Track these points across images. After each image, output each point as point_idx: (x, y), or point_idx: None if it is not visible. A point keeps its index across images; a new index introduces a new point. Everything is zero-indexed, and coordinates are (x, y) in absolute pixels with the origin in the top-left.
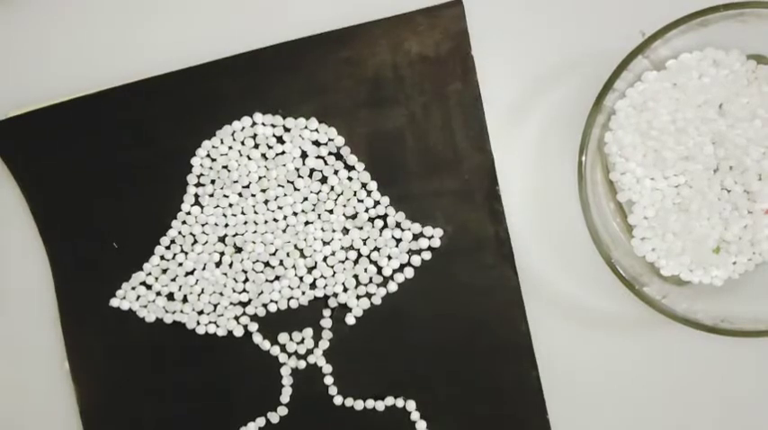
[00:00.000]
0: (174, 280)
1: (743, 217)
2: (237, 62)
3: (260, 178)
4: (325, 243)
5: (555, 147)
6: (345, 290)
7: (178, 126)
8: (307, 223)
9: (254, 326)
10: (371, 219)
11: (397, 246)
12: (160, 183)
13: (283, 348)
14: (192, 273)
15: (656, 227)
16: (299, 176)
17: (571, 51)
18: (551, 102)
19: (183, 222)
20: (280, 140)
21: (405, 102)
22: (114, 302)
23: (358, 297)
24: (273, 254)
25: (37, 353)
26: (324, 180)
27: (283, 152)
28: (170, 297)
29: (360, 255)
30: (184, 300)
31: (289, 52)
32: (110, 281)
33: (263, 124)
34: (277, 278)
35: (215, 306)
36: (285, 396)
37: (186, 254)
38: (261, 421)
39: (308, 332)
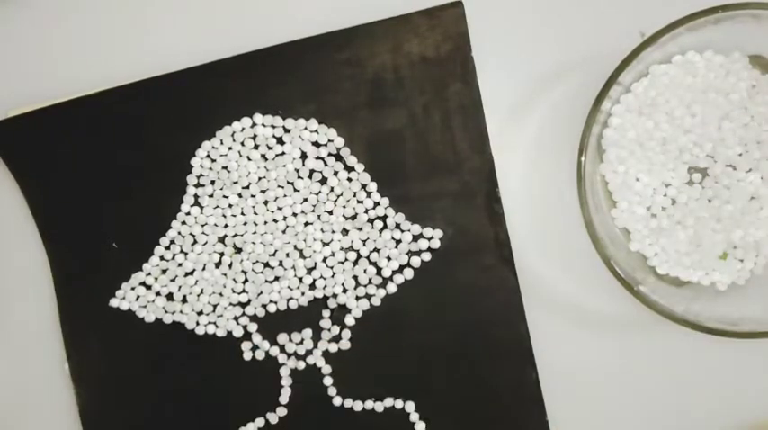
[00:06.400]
0: (173, 280)
1: (746, 220)
2: (237, 62)
3: (260, 179)
4: (324, 244)
5: (555, 149)
6: (345, 290)
7: (178, 126)
8: (306, 224)
9: (253, 327)
10: (371, 221)
11: (396, 247)
12: (160, 184)
13: (283, 349)
14: (191, 273)
15: (655, 227)
16: (299, 177)
17: (571, 52)
18: (551, 103)
19: (183, 223)
20: (279, 141)
21: (405, 103)
22: (114, 302)
23: (357, 298)
24: (273, 254)
25: (37, 353)
26: (323, 181)
27: (283, 153)
28: (169, 297)
29: (359, 256)
30: (184, 300)
31: (289, 53)
32: (110, 281)
33: (263, 125)
34: (276, 279)
35: (214, 306)
36: (284, 396)
37: (186, 254)
38: (260, 421)
39: (308, 333)
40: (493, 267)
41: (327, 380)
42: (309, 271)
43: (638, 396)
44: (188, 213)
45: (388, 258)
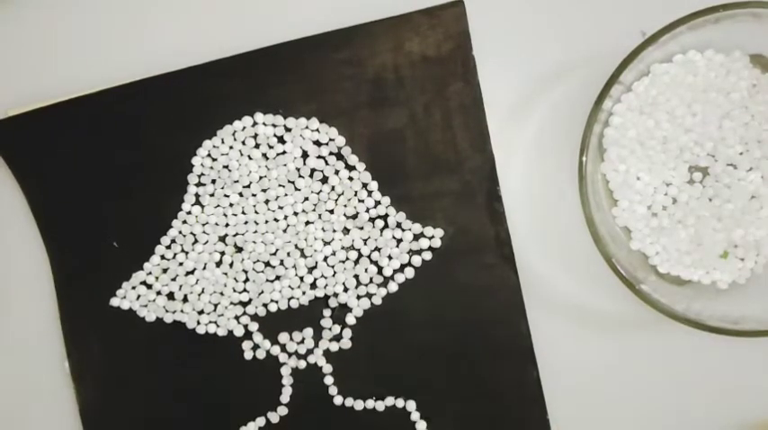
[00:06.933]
0: (174, 279)
1: (747, 219)
2: (238, 62)
3: (261, 178)
4: (325, 243)
5: (556, 148)
6: (346, 290)
7: (179, 125)
8: (307, 223)
9: (254, 326)
10: (372, 220)
11: (397, 246)
12: (161, 183)
13: (283, 348)
14: (192, 272)
15: (656, 226)
16: (300, 176)
17: (571, 51)
18: (552, 102)
19: (184, 222)
20: (281, 140)
21: (405, 102)
22: (114, 302)
23: (358, 297)
24: (274, 253)
25: (37, 353)
26: (324, 180)
27: (284, 152)
28: (170, 296)
29: (360, 255)
30: (185, 299)
31: (289, 52)
32: (110, 280)
33: (264, 124)
34: (277, 278)
35: (215, 305)
36: (285, 396)
37: (187, 253)
38: (261, 421)
39: (309, 332)
40: (494, 266)
41: (328, 380)
42: (310, 270)
43: (639, 394)
44: (189, 212)
45: (389, 257)
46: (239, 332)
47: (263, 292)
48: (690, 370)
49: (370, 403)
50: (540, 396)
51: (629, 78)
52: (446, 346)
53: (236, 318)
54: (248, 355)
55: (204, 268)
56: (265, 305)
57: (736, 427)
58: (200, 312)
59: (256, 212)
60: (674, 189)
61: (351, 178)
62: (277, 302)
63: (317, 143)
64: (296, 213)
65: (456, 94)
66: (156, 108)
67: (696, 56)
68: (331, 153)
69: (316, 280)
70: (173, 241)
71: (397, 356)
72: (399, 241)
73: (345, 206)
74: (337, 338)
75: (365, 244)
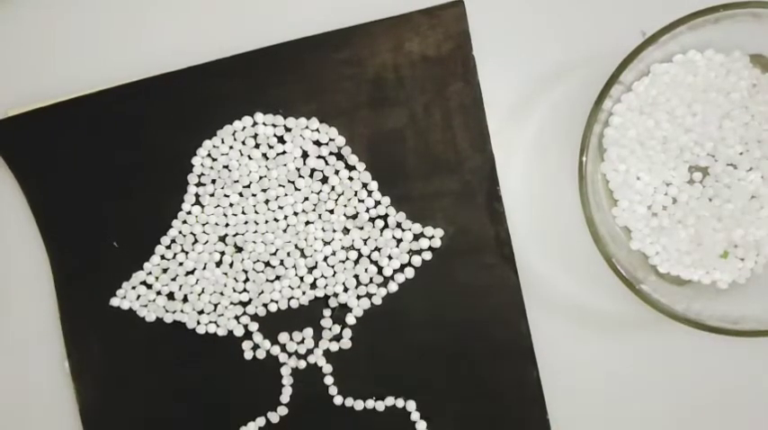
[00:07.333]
0: (174, 279)
1: (747, 219)
2: (238, 62)
3: (261, 178)
4: (325, 243)
5: (556, 148)
6: (346, 290)
7: (179, 125)
8: (307, 223)
9: (254, 326)
10: (372, 220)
11: (397, 246)
12: (161, 183)
13: (283, 348)
14: (192, 272)
15: (656, 226)
16: (300, 176)
17: (571, 51)
18: (552, 102)
19: (184, 222)
20: (281, 140)
21: (405, 102)
22: (114, 302)
23: (358, 297)
24: (274, 253)
25: (37, 353)
26: (324, 180)
27: (284, 152)
28: (170, 296)
29: (360, 255)
30: (185, 299)
31: (289, 52)
32: (110, 280)
33: (264, 124)
34: (277, 278)
35: (215, 305)
36: (285, 396)
37: (187, 253)
38: (261, 421)
39: (309, 332)
40: (494, 266)
41: (328, 380)
42: (310, 270)
43: (639, 394)
44: (189, 212)
45: (389, 257)
46: (239, 332)
47: (263, 292)
48: (690, 370)
49: (370, 403)
50: (540, 396)
51: (629, 78)
52: (446, 346)
53: (236, 318)
54: (248, 355)
55: (204, 268)
56: (265, 305)
57: (735, 427)
58: (201, 312)
59: (256, 212)
60: (674, 189)
61: (351, 178)
62: (277, 302)
63: (317, 143)
64: (296, 213)
65: (456, 94)
66: (156, 108)
67: (696, 56)
68: (331, 153)
69: (316, 280)
70: (173, 241)
71: (397, 356)
72: (399, 241)
73: (345, 206)
74: (337, 338)
75: (365, 244)
